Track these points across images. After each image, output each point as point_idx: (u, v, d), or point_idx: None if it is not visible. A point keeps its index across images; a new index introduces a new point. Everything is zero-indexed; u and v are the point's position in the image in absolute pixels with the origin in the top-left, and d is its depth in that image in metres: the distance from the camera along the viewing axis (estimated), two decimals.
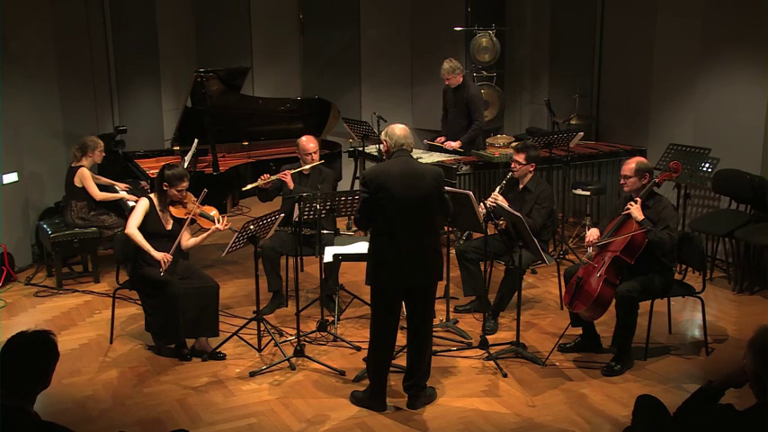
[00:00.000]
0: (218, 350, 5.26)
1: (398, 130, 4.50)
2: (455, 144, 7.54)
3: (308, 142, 6.05)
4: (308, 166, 6.04)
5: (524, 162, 5.73)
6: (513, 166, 5.82)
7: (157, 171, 5.45)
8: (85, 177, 6.61)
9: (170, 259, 5.15)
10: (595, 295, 4.89)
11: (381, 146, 4.60)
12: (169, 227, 5.35)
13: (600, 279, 4.92)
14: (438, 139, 7.74)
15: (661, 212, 5.00)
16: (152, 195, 5.38)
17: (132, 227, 5.23)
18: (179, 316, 5.13)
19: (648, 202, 5.06)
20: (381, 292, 4.50)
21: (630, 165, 5.13)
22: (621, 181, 5.17)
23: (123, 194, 6.76)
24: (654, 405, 3.32)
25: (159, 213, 5.33)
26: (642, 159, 5.24)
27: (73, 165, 6.67)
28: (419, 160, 7.36)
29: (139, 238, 5.21)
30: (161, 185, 5.32)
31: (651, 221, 4.95)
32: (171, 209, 5.39)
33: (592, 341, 5.30)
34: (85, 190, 6.61)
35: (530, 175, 5.79)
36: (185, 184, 5.34)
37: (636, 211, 4.96)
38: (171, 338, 5.27)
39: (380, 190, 4.30)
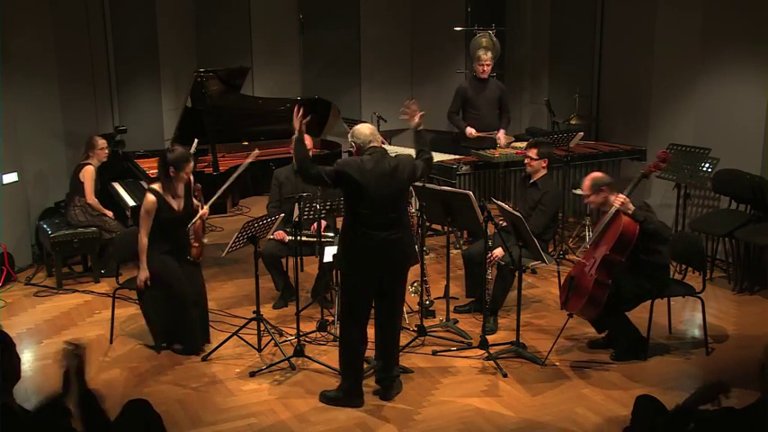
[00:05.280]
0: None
1: (363, 128, 4.53)
2: (503, 137, 7.43)
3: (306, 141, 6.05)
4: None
5: (537, 157, 5.73)
6: (526, 161, 5.83)
7: (158, 161, 5.30)
8: (87, 176, 6.63)
9: (144, 285, 5.18)
10: (587, 296, 4.89)
11: (351, 149, 4.60)
12: (181, 208, 5.25)
13: (591, 279, 4.91)
14: (470, 130, 7.43)
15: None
16: (155, 186, 5.22)
17: (144, 235, 5.16)
18: (186, 320, 5.19)
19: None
20: (356, 286, 4.53)
21: (585, 182, 5.12)
22: (585, 201, 5.21)
23: (109, 213, 6.75)
24: (653, 405, 3.32)
25: (168, 199, 5.19)
26: (596, 175, 5.16)
27: (81, 162, 6.70)
28: None
29: (144, 249, 5.17)
30: (167, 171, 5.16)
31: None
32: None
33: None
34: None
35: (542, 172, 5.80)
36: (192, 165, 5.23)
37: (625, 202, 4.85)
38: (175, 340, 5.32)
39: (348, 181, 4.34)
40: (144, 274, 5.18)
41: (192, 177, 5.35)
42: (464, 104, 7.57)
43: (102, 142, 6.77)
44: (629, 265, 4.95)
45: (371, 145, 4.48)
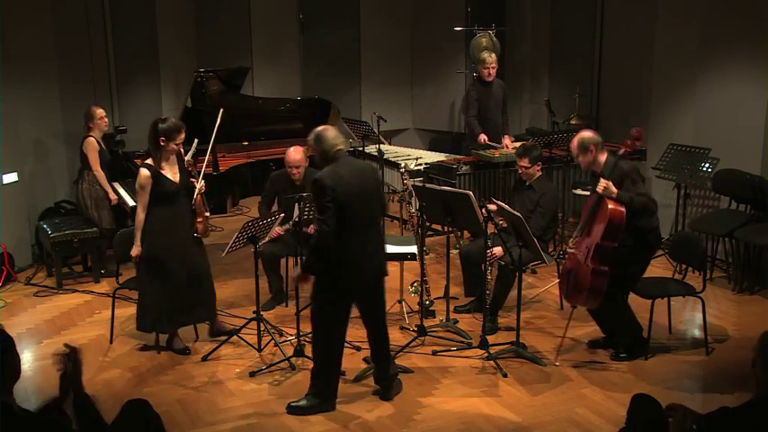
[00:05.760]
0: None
1: (328, 132, 4.43)
2: (511, 142, 7.34)
3: (295, 153, 5.86)
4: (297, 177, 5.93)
5: (529, 165, 5.71)
6: (519, 171, 5.79)
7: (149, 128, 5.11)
8: (89, 148, 6.60)
9: (138, 258, 5.14)
10: (588, 287, 4.86)
11: (311, 152, 4.48)
12: (177, 179, 5.16)
13: (588, 269, 4.87)
14: (483, 137, 7.30)
15: (624, 181, 4.85)
16: (147, 161, 5.13)
17: (141, 210, 5.08)
18: (185, 305, 5.23)
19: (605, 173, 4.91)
20: (342, 293, 4.47)
21: (573, 142, 5.03)
22: (575, 161, 5.13)
23: (112, 194, 6.71)
24: (649, 404, 3.30)
25: (163, 172, 5.11)
26: (584, 134, 5.04)
27: (84, 135, 6.68)
28: (419, 159, 7.39)
29: (140, 226, 5.10)
30: (157, 142, 5.02)
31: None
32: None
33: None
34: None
35: (537, 174, 5.78)
36: (183, 137, 5.09)
37: (608, 186, 4.79)
38: (172, 324, 5.34)
39: (341, 193, 4.25)
40: (137, 249, 5.12)
41: (182, 150, 5.26)
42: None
43: (100, 111, 6.71)
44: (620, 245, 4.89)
45: (338, 149, 4.39)
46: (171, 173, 5.14)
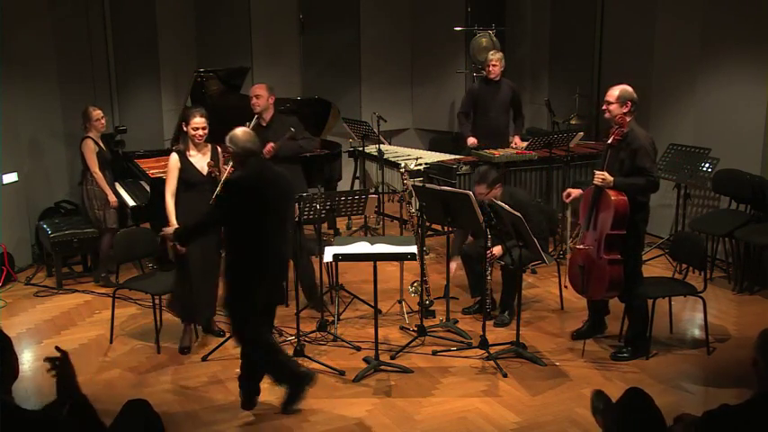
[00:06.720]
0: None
1: (242, 134, 4.33)
2: (520, 141, 7.33)
3: (258, 87, 5.94)
4: (255, 122, 5.92)
5: (487, 191, 5.48)
6: (481, 199, 5.44)
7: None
8: (85, 149, 6.54)
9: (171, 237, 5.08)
10: (607, 279, 4.87)
11: (228, 155, 4.44)
12: (205, 172, 5.25)
13: (604, 261, 4.87)
14: (471, 140, 7.28)
15: (637, 153, 4.82)
16: (178, 147, 5.31)
17: (169, 195, 5.17)
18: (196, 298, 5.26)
19: (623, 145, 4.88)
20: (270, 299, 4.48)
21: (614, 91, 4.97)
22: (603, 107, 5.05)
23: (111, 196, 6.60)
24: (641, 398, 3.25)
25: (191, 160, 5.22)
26: (629, 88, 5.02)
27: (82, 135, 6.61)
28: (419, 159, 7.39)
29: (171, 208, 5.16)
30: (181, 127, 5.28)
31: (627, 167, 4.83)
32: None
33: (600, 324, 5.38)
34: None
35: (498, 195, 5.54)
36: (198, 120, 5.16)
37: (605, 178, 4.82)
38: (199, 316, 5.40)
39: (256, 198, 4.23)
40: (170, 228, 4.99)
41: (219, 149, 5.34)
42: (475, 107, 7.44)
43: (97, 113, 6.62)
44: None
45: (257, 146, 4.35)
46: (200, 164, 5.24)
